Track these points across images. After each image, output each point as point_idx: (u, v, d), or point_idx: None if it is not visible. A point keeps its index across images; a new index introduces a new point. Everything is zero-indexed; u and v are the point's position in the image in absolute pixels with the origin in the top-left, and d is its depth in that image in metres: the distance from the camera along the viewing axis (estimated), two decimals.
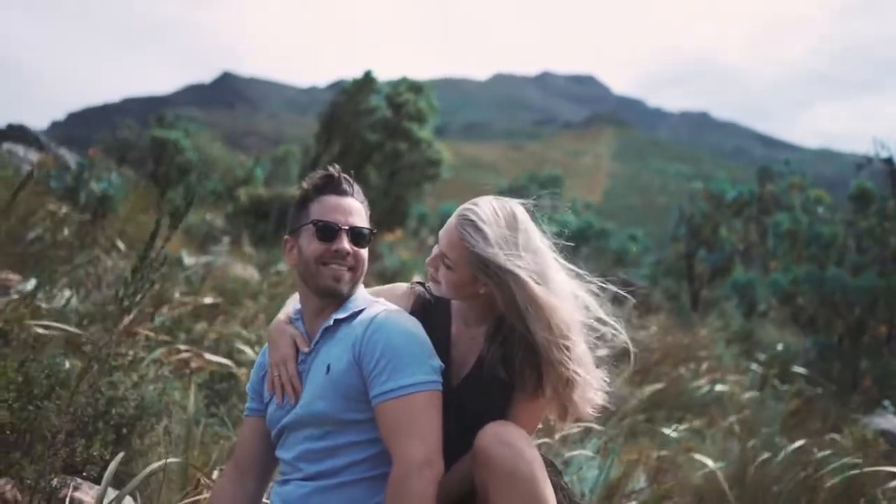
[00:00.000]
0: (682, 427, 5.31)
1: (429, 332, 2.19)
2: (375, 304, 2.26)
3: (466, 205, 2.19)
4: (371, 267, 2.37)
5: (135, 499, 3.17)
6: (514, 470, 1.98)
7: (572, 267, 2.26)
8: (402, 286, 2.46)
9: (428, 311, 2.35)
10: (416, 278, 2.51)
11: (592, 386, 2.17)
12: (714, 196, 16.60)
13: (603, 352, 2.24)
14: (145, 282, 2.61)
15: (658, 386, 6.35)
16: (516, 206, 2.21)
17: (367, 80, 20.70)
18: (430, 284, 2.32)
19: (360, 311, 2.23)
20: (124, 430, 3.33)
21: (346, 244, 2.20)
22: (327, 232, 2.21)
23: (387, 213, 19.50)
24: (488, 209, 2.15)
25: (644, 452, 4.50)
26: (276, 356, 2.25)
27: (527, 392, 2.17)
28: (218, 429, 4.06)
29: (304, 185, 2.30)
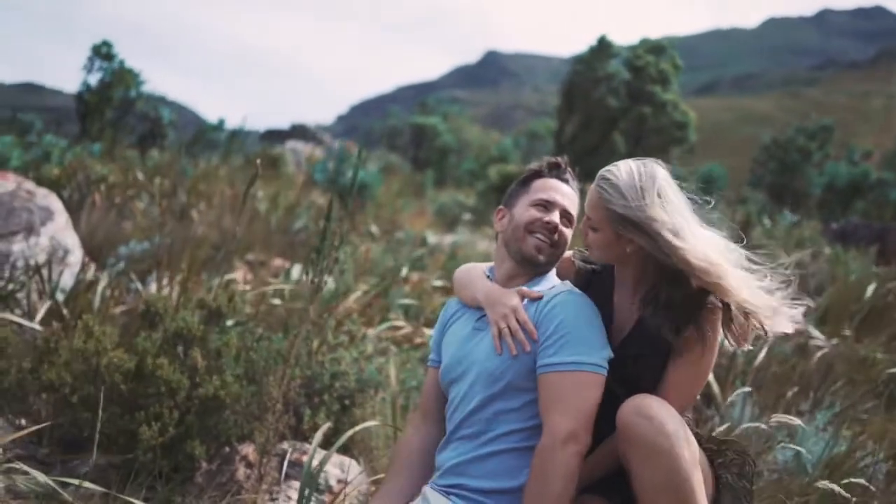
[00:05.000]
0: None
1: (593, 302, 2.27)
2: (562, 285, 2.35)
3: (607, 167, 2.26)
4: None
5: (358, 461, 3.56)
6: (654, 444, 1.96)
7: (721, 234, 2.23)
8: (566, 256, 2.52)
9: (592, 282, 2.40)
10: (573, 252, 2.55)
11: (766, 304, 2.13)
12: None
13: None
14: (329, 257, 2.87)
15: None
16: (656, 167, 2.23)
17: (603, 46, 20.35)
18: (586, 251, 2.39)
19: (548, 289, 2.33)
20: (346, 402, 3.71)
21: (557, 218, 2.35)
22: (544, 204, 2.37)
23: None
24: (625, 168, 2.20)
25: (885, 425, 4.09)
26: (502, 309, 2.31)
27: (684, 350, 2.17)
28: None
29: (532, 166, 2.50)
